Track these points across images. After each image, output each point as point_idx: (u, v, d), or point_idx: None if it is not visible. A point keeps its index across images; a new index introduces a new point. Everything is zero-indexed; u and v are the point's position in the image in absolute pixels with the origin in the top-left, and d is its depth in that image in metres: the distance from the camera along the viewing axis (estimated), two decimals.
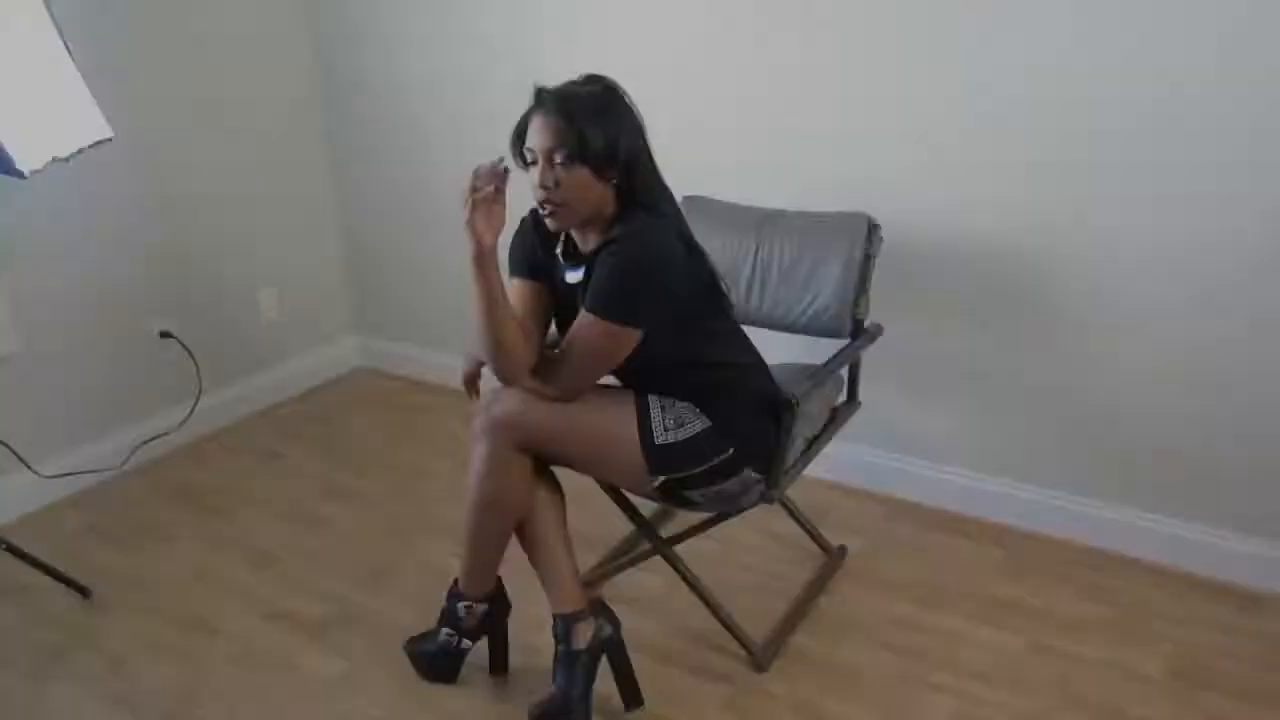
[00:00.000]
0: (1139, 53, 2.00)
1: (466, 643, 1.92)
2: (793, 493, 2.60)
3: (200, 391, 2.89)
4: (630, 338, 1.67)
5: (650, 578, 2.25)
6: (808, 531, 2.32)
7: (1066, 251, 2.20)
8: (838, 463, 2.62)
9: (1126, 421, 2.25)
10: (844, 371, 2.15)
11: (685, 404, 1.76)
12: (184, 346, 2.84)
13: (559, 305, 1.81)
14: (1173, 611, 2.14)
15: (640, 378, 1.80)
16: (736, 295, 2.19)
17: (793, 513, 2.32)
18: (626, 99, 1.70)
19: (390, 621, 2.13)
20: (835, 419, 2.11)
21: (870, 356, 2.46)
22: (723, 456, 1.75)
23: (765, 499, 1.81)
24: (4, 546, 2.11)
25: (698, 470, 1.75)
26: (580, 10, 2.64)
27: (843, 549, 2.34)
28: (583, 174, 1.63)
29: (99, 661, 2.03)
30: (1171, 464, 2.23)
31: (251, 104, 2.98)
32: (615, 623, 1.86)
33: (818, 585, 2.22)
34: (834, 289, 2.08)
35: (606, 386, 1.80)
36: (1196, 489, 2.21)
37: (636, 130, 1.69)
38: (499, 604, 1.93)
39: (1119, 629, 2.09)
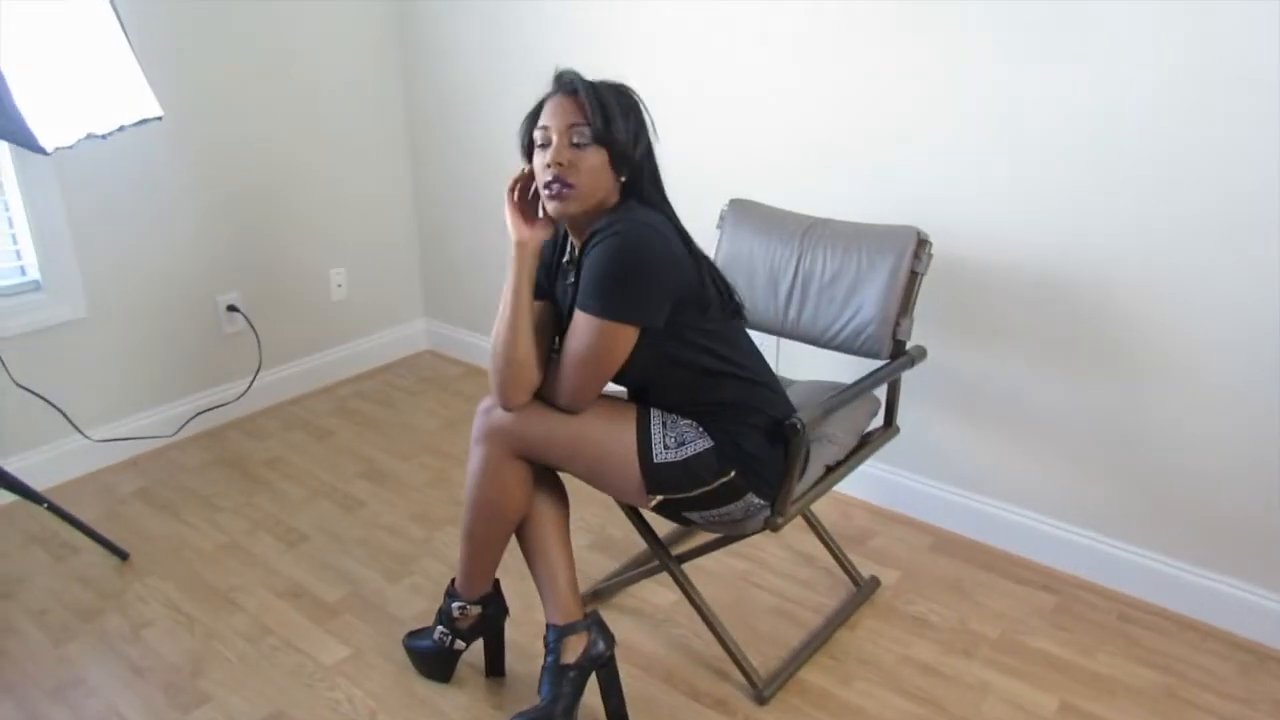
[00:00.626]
0: (1224, 93, 1.80)
1: (460, 644, 1.89)
2: (832, 514, 2.50)
3: (260, 365, 2.97)
4: (625, 335, 1.57)
5: (664, 592, 2.18)
6: (837, 558, 2.20)
7: (1136, 288, 2.00)
8: (883, 487, 2.50)
9: (1200, 475, 2.04)
10: (882, 394, 2.03)
11: (688, 421, 1.68)
12: (248, 321, 2.92)
13: (564, 319, 1.74)
14: (1232, 687, 1.93)
15: (642, 390, 1.73)
16: (775, 305, 2.09)
17: (822, 536, 2.20)
18: (643, 103, 1.64)
19: (401, 612, 2.13)
20: (867, 444, 1.99)
21: (921, 379, 2.32)
22: (723, 480, 1.66)
23: (770, 527, 1.71)
24: (46, 506, 2.20)
25: (696, 492, 1.67)
26: (643, 16, 2.57)
27: (874, 580, 2.21)
28: (600, 158, 1.56)
29: (123, 626, 2.10)
30: (1249, 526, 2.01)
31: (337, 91, 3.02)
32: (610, 640, 1.79)
33: (841, 616, 2.10)
34: (876, 306, 1.95)
35: (610, 398, 1.72)
36: (1276, 555, 1.99)
37: (648, 139, 1.63)
38: (495, 608, 1.89)
39: (1165, 699, 1.90)
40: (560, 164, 1.56)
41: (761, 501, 1.70)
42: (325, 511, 2.54)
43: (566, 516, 1.83)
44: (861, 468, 2.51)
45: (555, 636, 1.76)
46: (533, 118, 1.63)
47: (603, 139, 1.56)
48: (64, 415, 2.52)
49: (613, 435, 1.66)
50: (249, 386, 2.95)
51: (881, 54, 2.21)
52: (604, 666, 1.79)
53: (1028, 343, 2.19)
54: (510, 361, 1.63)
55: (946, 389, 2.33)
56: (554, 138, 1.57)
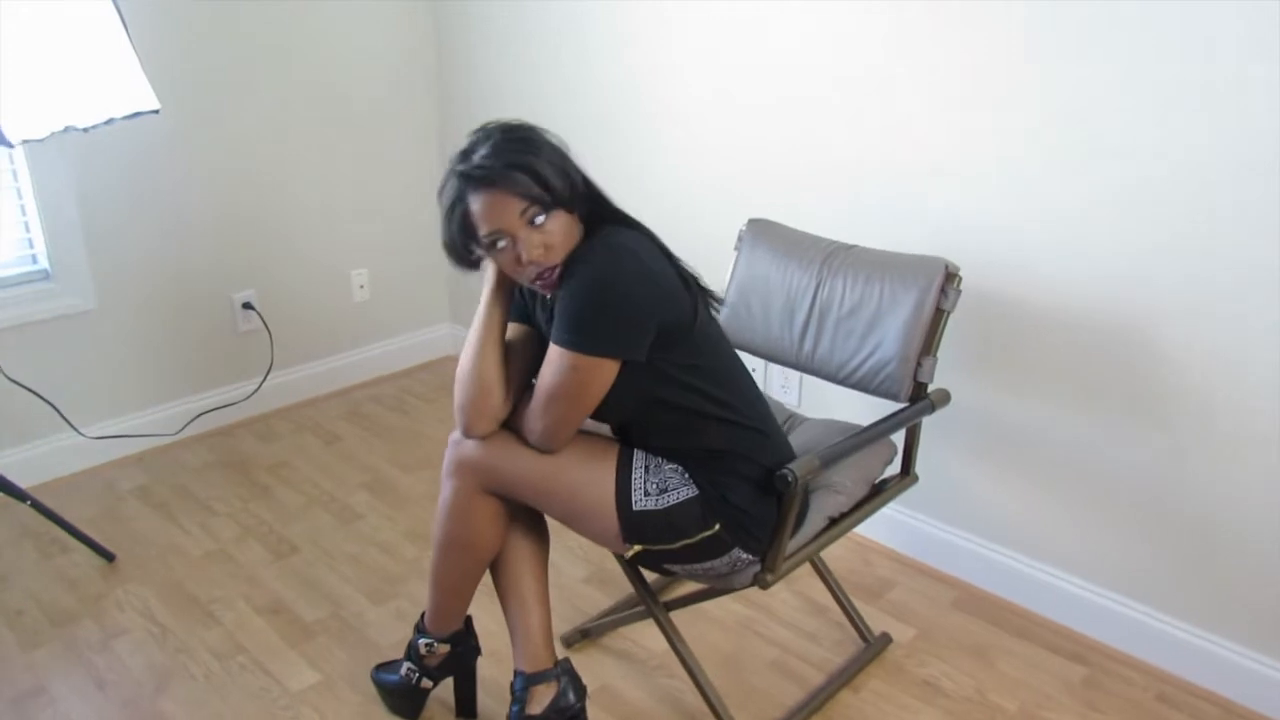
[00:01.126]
0: None
1: (427, 682, 1.77)
2: (850, 560, 2.33)
3: (271, 365, 2.91)
4: (602, 370, 1.43)
5: (660, 636, 2.04)
6: (846, 612, 2.03)
7: (1184, 338, 1.79)
8: (907, 534, 2.32)
9: (1254, 546, 1.82)
10: (900, 439, 1.86)
11: (674, 466, 1.53)
12: (262, 319, 2.86)
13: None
14: None
15: (626, 430, 1.58)
16: (790, 336, 1.93)
17: (830, 586, 2.04)
18: (539, 128, 1.47)
19: (380, 638, 2.02)
20: (881, 494, 1.82)
21: (950, 420, 2.15)
22: (706, 534, 1.50)
23: (759, 584, 1.56)
24: (30, 504, 2.15)
25: (677, 545, 1.52)
26: (674, 25, 2.43)
27: (885, 636, 2.04)
28: (561, 218, 1.42)
29: (94, 634, 2.03)
30: None
31: (366, 88, 2.95)
32: (581, 692, 1.66)
33: (845, 675, 1.93)
34: (896, 344, 1.78)
35: (591, 435, 1.59)
36: None
37: (565, 153, 1.47)
38: (465, 646, 1.77)
39: None
40: (536, 259, 1.41)
41: (749, 557, 1.55)
42: (321, 522, 2.45)
43: (545, 554, 1.70)
44: (886, 512, 2.34)
45: (522, 685, 1.63)
46: (462, 228, 1.44)
47: (560, 201, 1.41)
48: (57, 411, 2.48)
49: (590, 476, 1.52)
50: (258, 387, 2.89)
51: (924, 77, 2.04)
52: (574, 719, 1.66)
53: (1065, 389, 1.99)
54: (475, 384, 1.50)
55: (976, 432, 2.15)
56: (513, 235, 1.40)
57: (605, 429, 1.65)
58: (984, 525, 2.20)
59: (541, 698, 1.63)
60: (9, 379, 2.37)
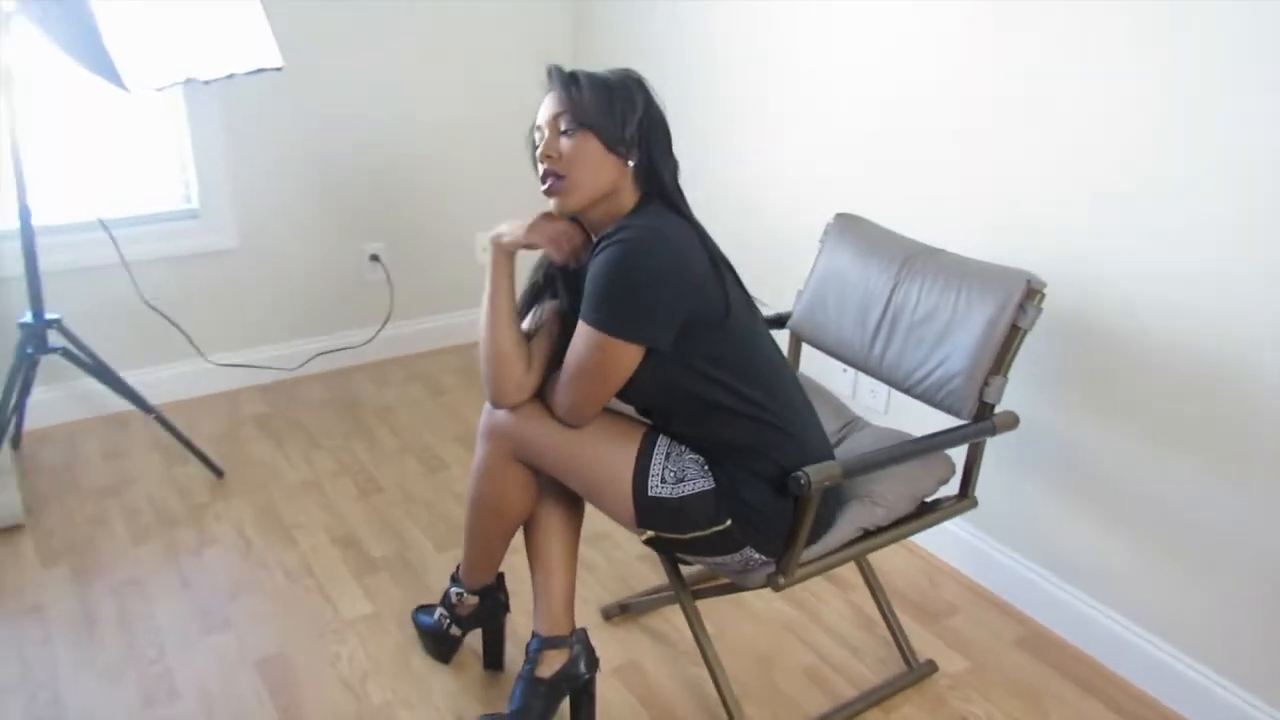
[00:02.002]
0: None
1: (456, 630, 1.85)
2: (915, 579, 2.24)
3: (389, 316, 3.07)
4: (623, 353, 1.43)
5: None
6: (891, 630, 1.95)
7: None
8: (980, 560, 2.21)
9: None
10: (958, 458, 1.77)
11: (695, 456, 1.52)
12: (386, 272, 3.03)
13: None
14: None
15: (652, 414, 1.58)
16: (862, 337, 1.87)
17: (878, 599, 1.96)
18: (647, 87, 1.49)
19: (435, 583, 2.12)
20: (930, 512, 1.73)
21: (1036, 449, 2.03)
22: (717, 528, 1.49)
23: (771, 585, 1.53)
24: (154, 416, 2.37)
25: (688, 536, 1.51)
26: (809, 25, 2.38)
27: (930, 664, 1.94)
28: (591, 144, 1.43)
29: (191, 539, 2.23)
30: None
31: (501, 57, 3.04)
32: (592, 663, 1.69)
33: (877, 695, 1.86)
34: (965, 359, 1.69)
35: (619, 415, 1.59)
36: None
37: (654, 118, 1.48)
38: (492, 601, 1.83)
39: None
40: (550, 156, 1.45)
41: (762, 557, 1.52)
42: (409, 467, 2.58)
43: (576, 524, 1.73)
44: (959, 534, 2.23)
45: (536, 646, 1.68)
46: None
47: (586, 121, 1.42)
48: (187, 337, 2.72)
49: (610, 457, 1.53)
50: (375, 334, 3.06)
51: (1034, 74, 1.90)
52: (581, 689, 1.69)
53: (1159, 427, 1.82)
54: (494, 357, 1.55)
55: (1062, 464, 2.00)
56: (543, 131, 1.47)
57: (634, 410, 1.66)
58: (1061, 563, 2.05)
59: (553, 662, 1.67)
60: (148, 304, 2.62)
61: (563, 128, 1.45)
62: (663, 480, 1.50)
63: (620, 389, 1.49)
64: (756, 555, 1.52)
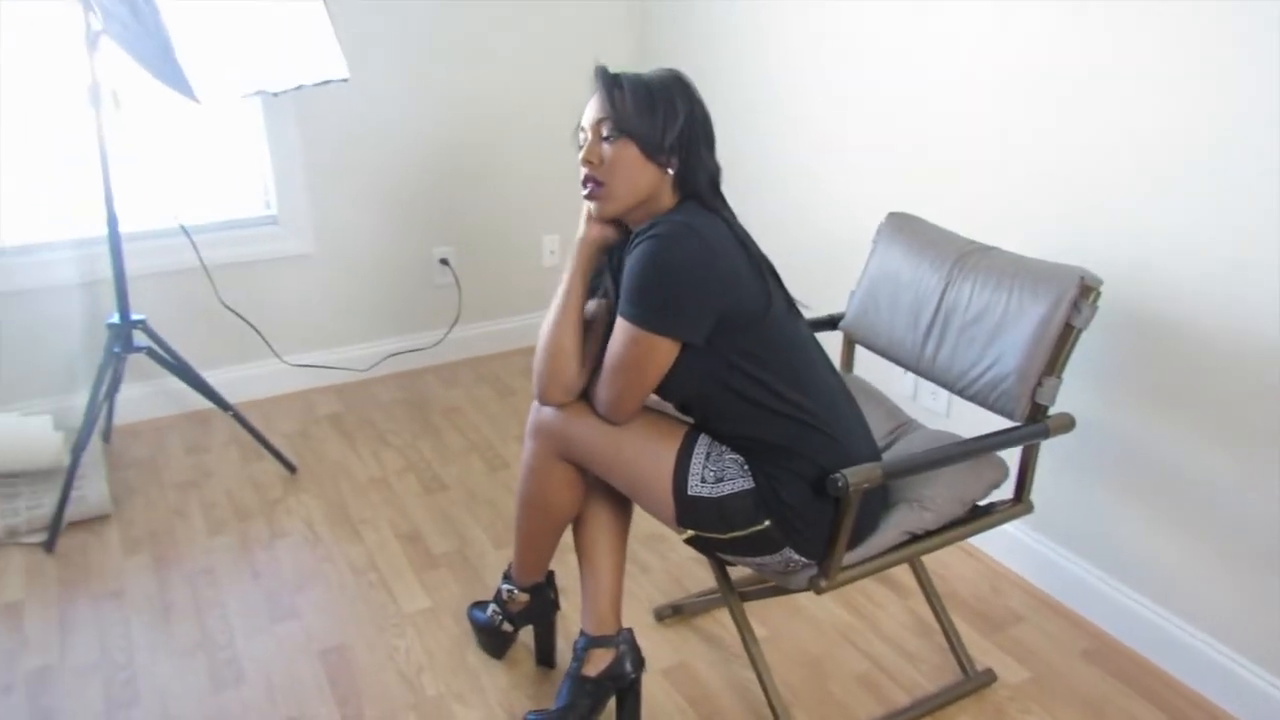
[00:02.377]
0: None
1: (508, 626, 1.88)
2: (978, 585, 2.20)
3: (457, 319, 3.14)
4: (658, 349, 1.44)
5: (754, 627, 2.01)
6: (947, 637, 1.91)
7: None
8: (1044, 568, 2.15)
9: None
10: (1012, 462, 1.72)
11: (735, 456, 1.51)
12: (454, 276, 3.09)
13: None
14: None
15: (691, 411, 1.58)
16: (914, 338, 1.84)
17: (933, 605, 1.92)
18: (691, 89, 1.49)
19: (490, 580, 2.16)
20: (981, 516, 1.69)
21: (1103, 453, 1.98)
22: (755, 528, 1.48)
23: (813, 588, 1.51)
24: (231, 414, 2.48)
25: (727, 535, 1.51)
26: (892, 30, 2.35)
27: (988, 673, 1.89)
28: (630, 151, 1.45)
29: (263, 532, 2.32)
30: None
31: (563, 57, 3.08)
32: (638, 663, 1.70)
33: (931, 705, 1.82)
34: (1017, 359, 1.64)
35: (660, 414, 1.60)
36: None
37: (696, 120, 1.48)
38: (542, 599, 1.85)
39: None
40: (590, 161, 1.47)
41: (803, 559, 1.51)
42: (473, 466, 2.64)
43: (624, 524, 1.74)
44: (1025, 541, 2.17)
45: (583, 645, 1.70)
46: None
47: (627, 129, 1.44)
48: (263, 338, 2.83)
49: (650, 455, 1.54)
50: (443, 337, 3.13)
51: (1089, 70, 1.84)
52: (627, 689, 1.70)
53: (1237, 433, 1.73)
54: (550, 353, 1.57)
55: (1132, 469, 1.92)
56: (586, 133, 1.49)
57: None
58: (1131, 570, 1.97)
59: (599, 661, 1.69)
60: (225, 306, 2.74)
61: (604, 134, 1.47)
62: (702, 480, 1.50)
63: (658, 385, 1.50)
64: (797, 557, 1.50)
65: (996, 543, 2.25)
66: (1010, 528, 2.19)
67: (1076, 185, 1.95)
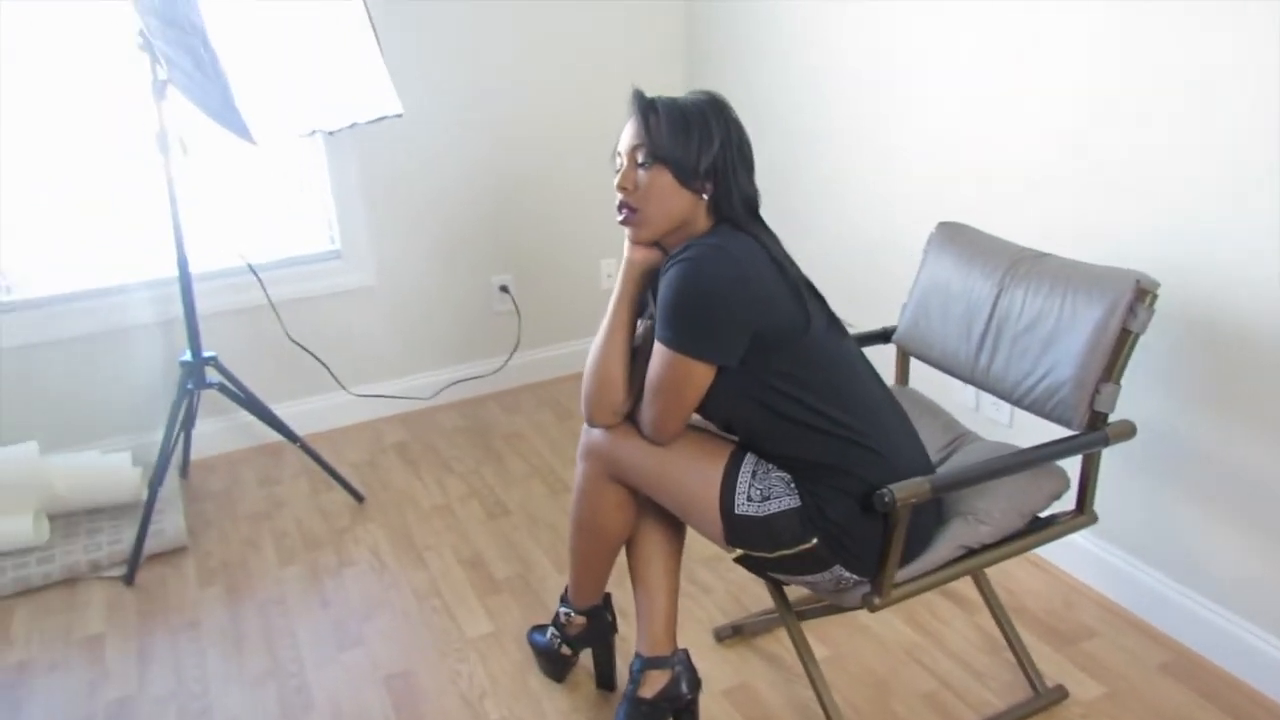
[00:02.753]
0: None
1: (567, 649, 1.89)
2: (1049, 599, 2.14)
3: (518, 345, 3.18)
4: (694, 371, 1.45)
5: (817, 646, 1.98)
6: (1015, 653, 1.86)
7: None
8: (1119, 581, 2.08)
9: None
10: (1073, 472, 1.67)
11: (781, 475, 1.50)
12: (514, 302, 3.14)
13: None
14: None
15: (736, 432, 1.58)
16: (967, 348, 1.80)
17: (1001, 624, 1.87)
18: (728, 112, 1.49)
19: (551, 603, 2.16)
20: (1042, 529, 1.64)
21: (1179, 460, 1.92)
22: (803, 546, 1.47)
23: (867, 606, 1.49)
24: (299, 445, 2.55)
25: (775, 554, 1.50)
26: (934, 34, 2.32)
27: (1059, 689, 1.83)
28: (664, 178, 1.46)
29: (332, 561, 2.38)
30: None
31: (614, 84, 3.10)
32: (695, 684, 1.69)
33: None
34: (1072, 366, 1.60)
35: (707, 433, 1.60)
36: None
37: (733, 144, 1.47)
38: (599, 621, 1.86)
39: None
40: (625, 188, 1.48)
41: (854, 576, 1.49)
42: (534, 491, 2.66)
43: (677, 545, 1.74)
44: (1096, 552, 2.10)
45: (639, 666, 1.70)
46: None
47: (662, 156, 1.45)
48: (327, 369, 2.91)
49: (698, 475, 1.54)
50: (504, 363, 3.17)
51: (1142, 74, 1.79)
52: (684, 710, 1.69)
53: None
54: (596, 376, 1.59)
55: (1209, 477, 1.84)
56: (623, 158, 1.50)
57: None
58: (1207, 580, 1.90)
59: (655, 683, 1.69)
60: (292, 340, 2.82)
61: (640, 160, 1.48)
62: (749, 498, 1.50)
63: (701, 406, 1.50)
64: (848, 574, 1.48)
65: (1067, 555, 2.18)
66: (1081, 540, 2.13)
67: (1131, 189, 1.89)
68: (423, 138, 2.89)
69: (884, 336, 2.00)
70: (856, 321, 2.03)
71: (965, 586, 2.11)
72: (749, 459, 1.53)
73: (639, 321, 1.66)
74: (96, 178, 2.59)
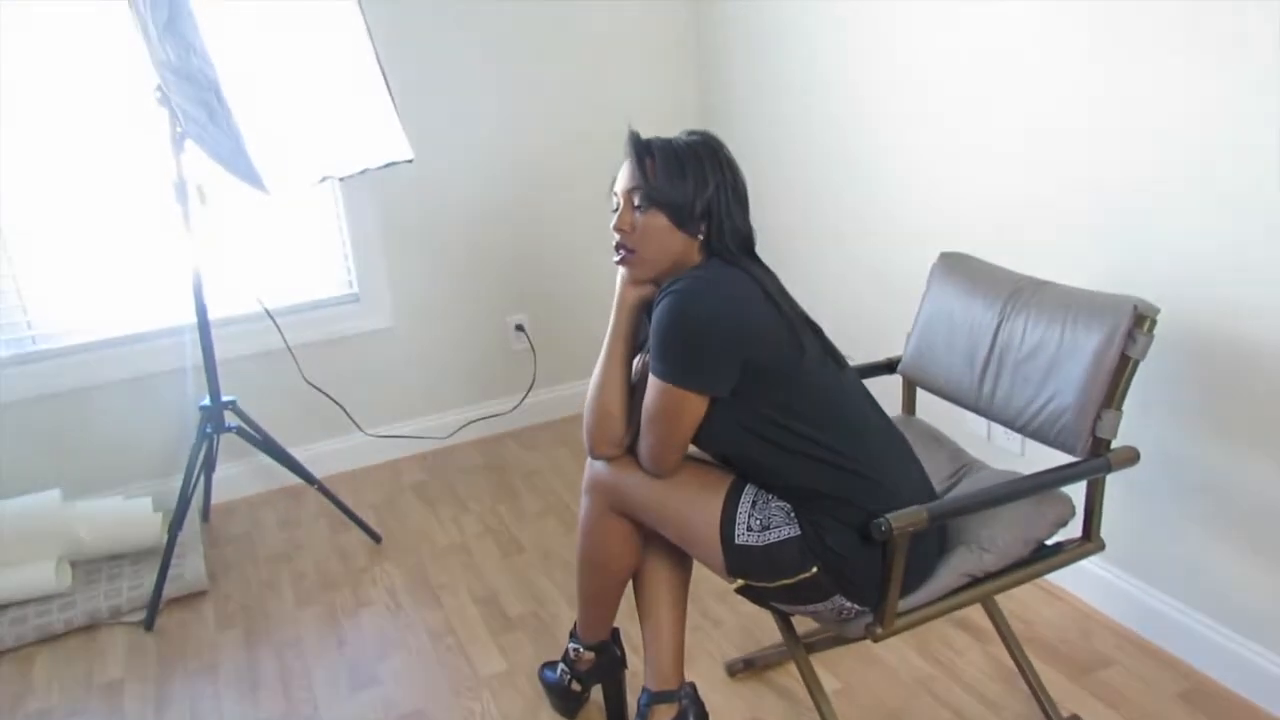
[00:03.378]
0: None
1: (577, 685, 1.89)
2: (1065, 629, 2.12)
3: (533, 383, 3.21)
4: (686, 401, 1.47)
5: (829, 679, 1.98)
6: (1029, 682, 1.83)
7: None
8: (1136, 609, 2.06)
9: None
10: (1078, 499, 1.65)
11: (781, 504, 1.51)
12: (529, 341, 3.18)
13: None
14: None
15: (730, 462, 1.59)
16: (970, 377, 1.81)
17: (1013, 652, 1.85)
18: (723, 153, 1.52)
19: (564, 640, 2.15)
20: (1048, 556, 1.63)
21: (1194, 487, 1.90)
22: (803, 575, 1.47)
23: (870, 636, 1.48)
24: (316, 487, 2.59)
25: (776, 584, 1.50)
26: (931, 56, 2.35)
27: (1074, 719, 1.81)
28: (660, 221, 1.49)
29: (349, 602, 2.40)
30: None
31: (623, 123, 3.15)
32: (702, 716, 1.70)
33: None
34: (1074, 393, 1.60)
35: (707, 464, 1.61)
36: None
37: (728, 186, 1.50)
38: (608, 657, 1.86)
39: None
40: (622, 229, 1.52)
41: (855, 606, 1.48)
42: (549, 528, 2.68)
43: (683, 578, 1.75)
44: (1112, 581, 2.08)
45: (646, 701, 1.70)
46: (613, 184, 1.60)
47: (657, 200, 1.48)
48: (344, 410, 2.95)
49: (698, 505, 1.55)
50: (520, 401, 3.20)
51: (1140, 101, 1.80)
52: None
53: None
54: (595, 409, 1.62)
55: (1225, 503, 1.82)
56: (619, 203, 1.53)
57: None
58: (1226, 608, 1.87)
59: (662, 717, 1.69)
60: (308, 382, 2.87)
61: (635, 202, 1.52)
62: (749, 528, 1.51)
63: (696, 437, 1.52)
64: (849, 604, 1.48)
65: (1081, 583, 2.16)
66: (1095, 567, 2.10)
67: (1131, 213, 1.90)
68: (437, 180, 2.95)
69: (889, 367, 2.00)
70: (863, 353, 2.04)
71: (978, 616, 2.09)
72: (749, 489, 1.54)
73: (638, 357, 1.69)
74: (118, 228, 2.67)
